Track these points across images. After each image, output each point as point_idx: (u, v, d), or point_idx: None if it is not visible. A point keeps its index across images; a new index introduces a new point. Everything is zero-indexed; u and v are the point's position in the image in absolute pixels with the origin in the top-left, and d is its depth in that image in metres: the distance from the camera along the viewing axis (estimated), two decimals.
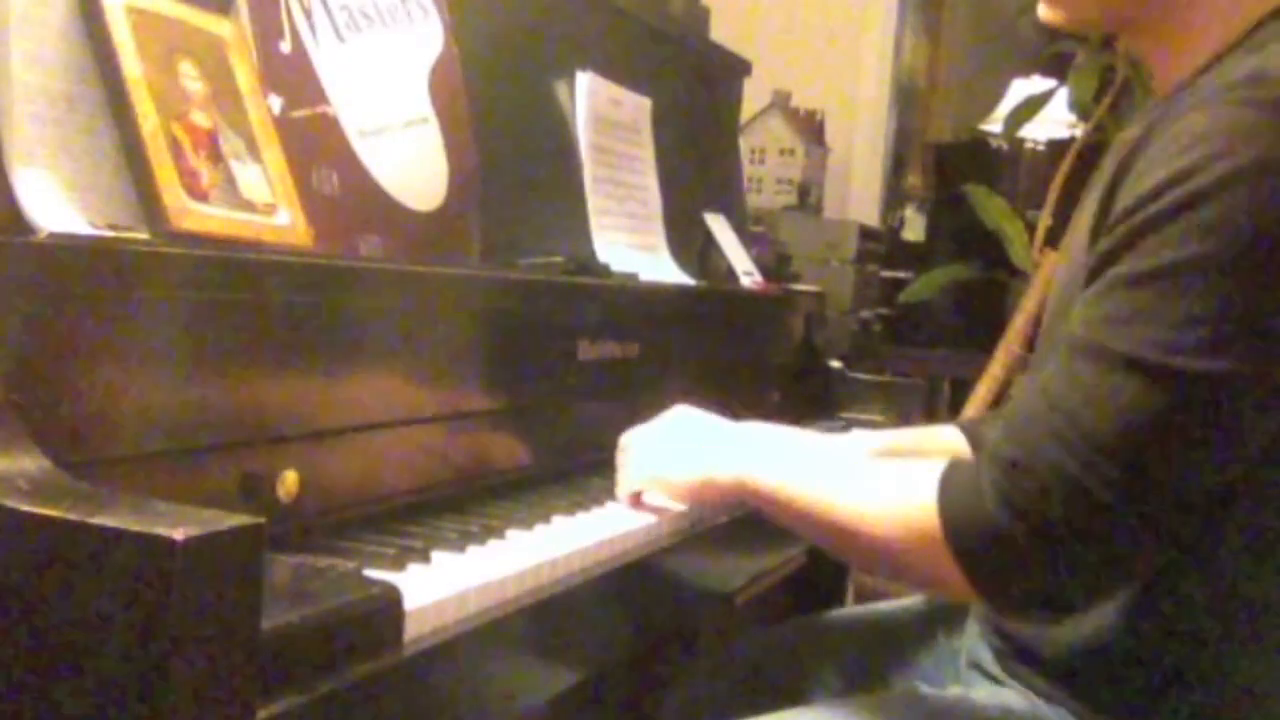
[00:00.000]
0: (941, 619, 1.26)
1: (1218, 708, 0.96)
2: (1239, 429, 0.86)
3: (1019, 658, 1.05)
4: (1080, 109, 3.34)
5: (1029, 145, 4.28)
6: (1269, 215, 0.83)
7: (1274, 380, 0.84)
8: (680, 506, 1.15)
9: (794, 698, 1.21)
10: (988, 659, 1.10)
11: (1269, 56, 0.89)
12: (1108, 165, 1.02)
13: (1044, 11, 1.05)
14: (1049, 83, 3.66)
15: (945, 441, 1.35)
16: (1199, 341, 0.83)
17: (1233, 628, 0.95)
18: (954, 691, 1.10)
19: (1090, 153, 3.00)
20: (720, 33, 2.09)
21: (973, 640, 1.14)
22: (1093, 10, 1.06)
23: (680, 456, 1.12)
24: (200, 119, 0.90)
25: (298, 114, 1.04)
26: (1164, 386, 0.83)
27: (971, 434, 1.33)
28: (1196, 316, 0.83)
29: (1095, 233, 0.93)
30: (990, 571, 0.87)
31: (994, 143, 4.18)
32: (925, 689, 1.12)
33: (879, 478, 0.97)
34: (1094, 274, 0.90)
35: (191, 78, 0.91)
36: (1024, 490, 0.85)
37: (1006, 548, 0.85)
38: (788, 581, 1.98)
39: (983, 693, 1.07)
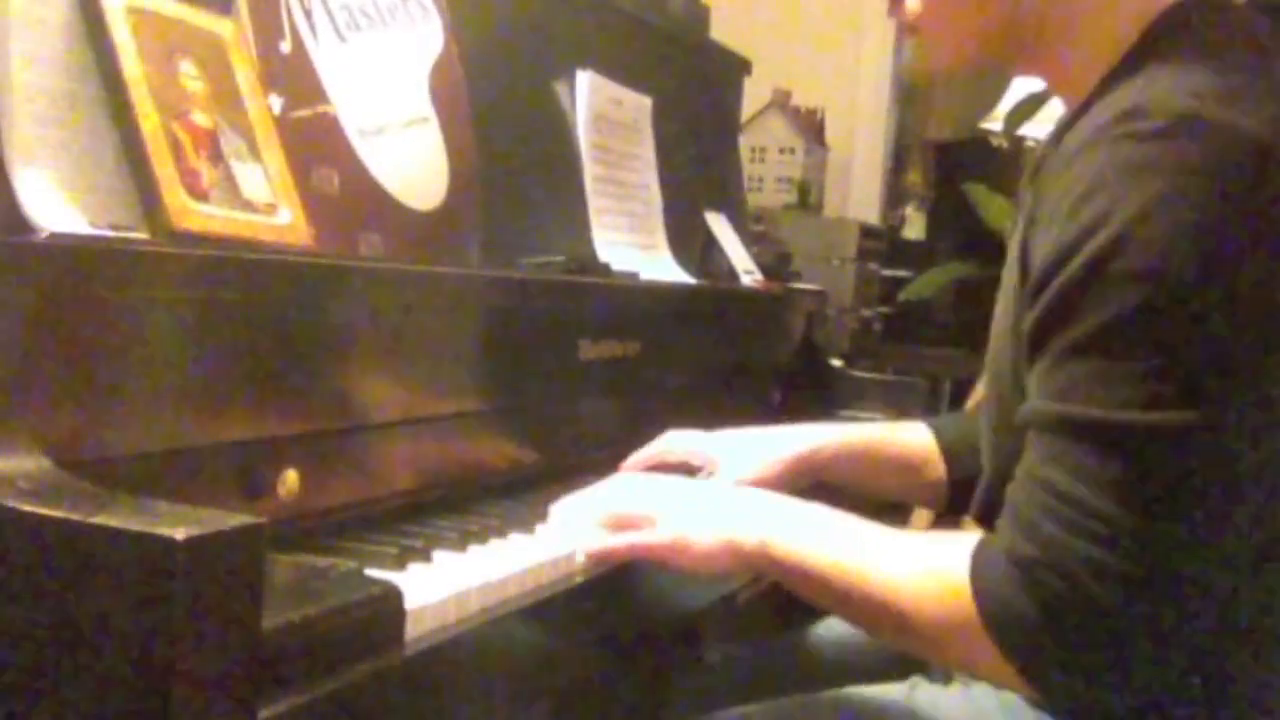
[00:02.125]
0: None
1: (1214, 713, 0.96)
2: (1242, 470, 0.84)
3: None
4: None
5: (1029, 143, 4.27)
6: (1184, 246, 0.81)
7: (1254, 413, 0.83)
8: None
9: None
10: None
11: (1144, 87, 0.87)
12: (1025, 186, 1.02)
13: (924, 65, 1.04)
14: None
15: (908, 439, 1.32)
16: (1168, 391, 0.82)
17: (1232, 638, 0.95)
18: (954, 688, 1.10)
19: None
20: (720, 32, 2.09)
21: None
22: (967, 49, 1.03)
23: (702, 519, 1.02)
24: (200, 119, 0.90)
25: (298, 114, 1.04)
26: (1151, 445, 0.82)
27: (940, 433, 1.31)
28: (1156, 368, 0.82)
29: (1023, 273, 0.92)
30: (1044, 667, 0.85)
31: (994, 141, 4.18)
32: (925, 684, 1.11)
33: (909, 555, 0.93)
34: (1036, 341, 0.89)
35: (192, 77, 0.91)
36: (1053, 588, 0.83)
37: (1057, 645, 0.84)
38: None
39: (983, 689, 1.07)
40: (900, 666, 1.24)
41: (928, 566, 0.91)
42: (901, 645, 1.01)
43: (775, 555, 0.97)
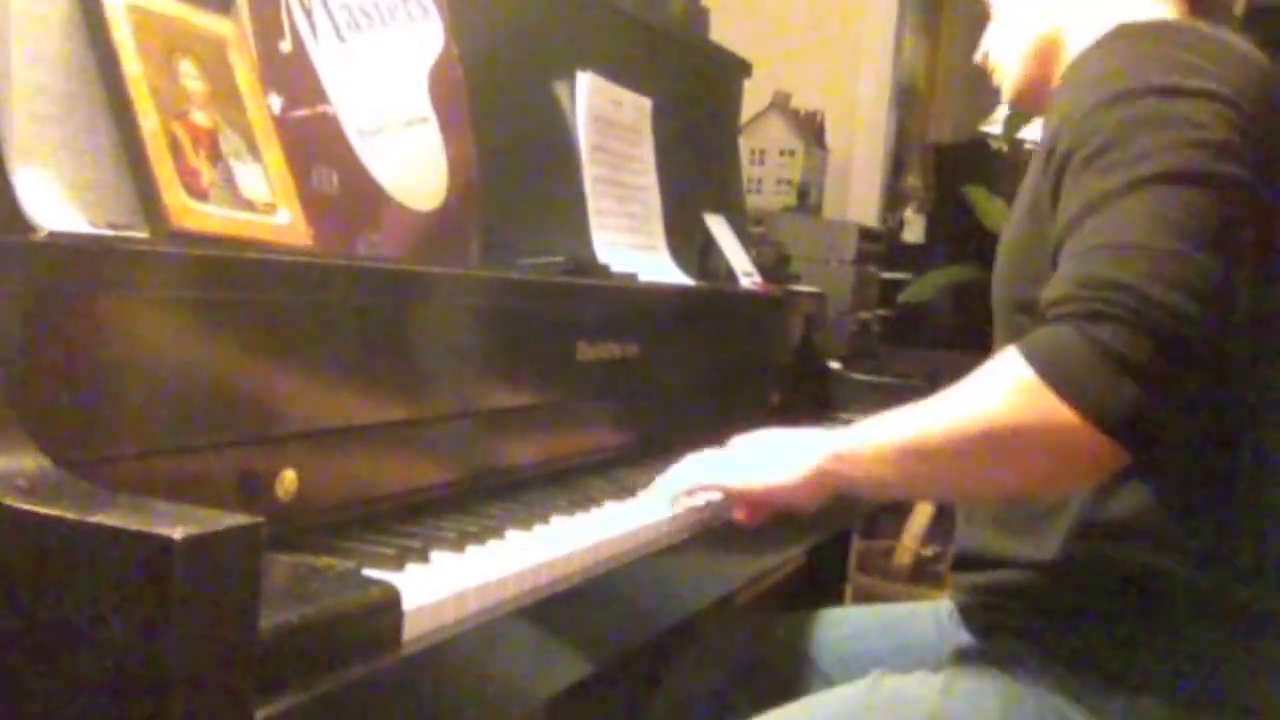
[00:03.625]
0: (944, 616, 1.26)
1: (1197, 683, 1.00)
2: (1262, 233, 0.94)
3: (1014, 644, 1.08)
4: None
5: (1028, 147, 4.27)
6: (1154, 65, 0.97)
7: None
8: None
9: (790, 691, 1.22)
10: (975, 646, 1.12)
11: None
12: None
13: (1007, 100, 1.26)
14: None
15: None
16: (1212, 151, 0.92)
17: (1226, 595, 1.00)
18: (916, 675, 1.11)
19: None
20: (720, 33, 2.09)
21: (966, 628, 1.15)
22: (1019, 78, 1.22)
23: (763, 464, 1.13)
24: (200, 118, 0.90)
25: (298, 114, 1.04)
26: (1178, 185, 0.91)
27: None
28: (1197, 139, 0.92)
29: (1046, 158, 1.02)
30: (1088, 385, 0.87)
31: (993, 144, 4.18)
32: (887, 676, 1.12)
33: (961, 387, 0.97)
34: (1064, 165, 0.98)
35: (191, 77, 0.91)
36: (1095, 303, 0.88)
37: (1097, 356, 0.87)
38: (788, 581, 1.99)
39: (941, 675, 1.09)
40: (895, 660, 1.24)
41: (982, 377, 0.95)
42: (993, 473, 1.00)
43: (846, 455, 1.05)
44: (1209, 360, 0.88)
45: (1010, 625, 1.09)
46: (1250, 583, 1.01)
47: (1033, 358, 0.90)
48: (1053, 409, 0.88)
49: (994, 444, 0.93)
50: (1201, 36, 1.01)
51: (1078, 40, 1.13)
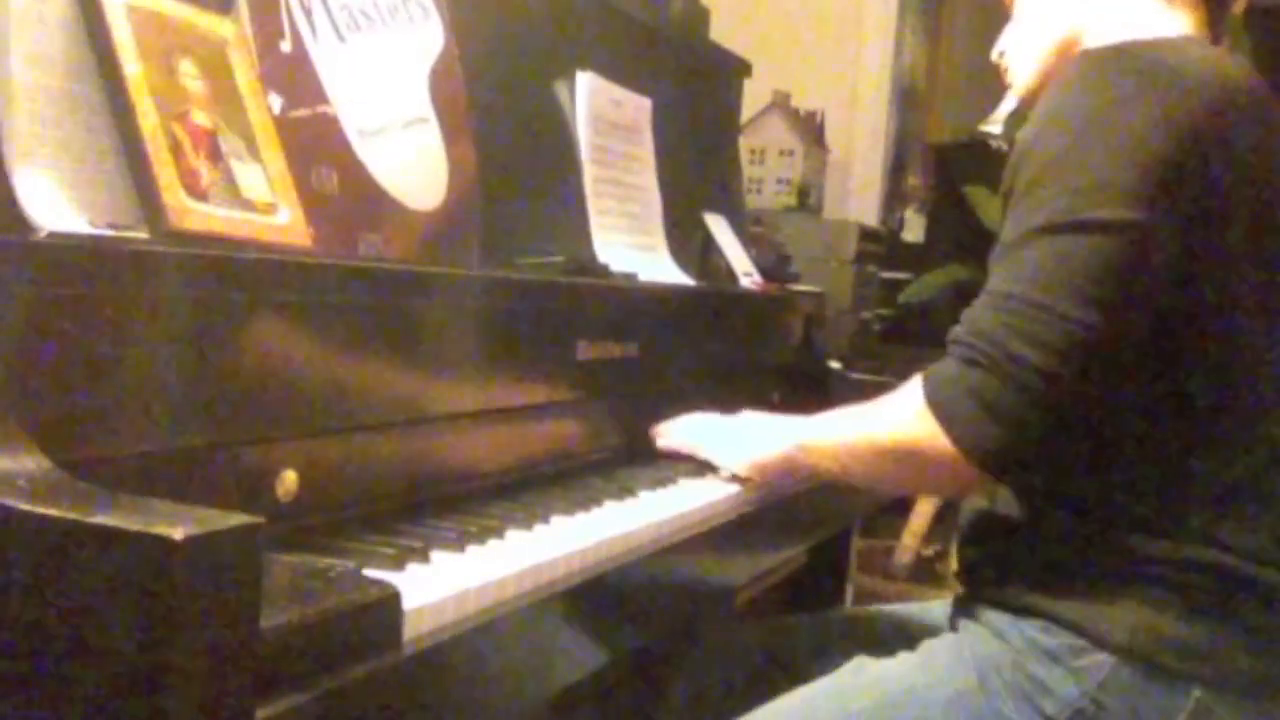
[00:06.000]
0: (951, 620, 1.26)
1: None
2: (1169, 277, 1.01)
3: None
4: None
5: None
6: (1087, 106, 1.04)
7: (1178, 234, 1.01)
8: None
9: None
10: (954, 622, 1.17)
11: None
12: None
13: (1016, 94, 1.30)
14: None
15: None
16: (1115, 198, 1.00)
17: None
18: (900, 658, 1.15)
19: None
20: (720, 33, 2.09)
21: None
22: (1033, 76, 1.27)
23: (728, 442, 1.31)
24: (200, 119, 0.90)
25: (298, 114, 1.04)
26: (1059, 236, 1.01)
27: None
28: (1104, 181, 1.00)
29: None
30: (960, 421, 1.02)
31: (994, 143, 4.18)
32: (870, 661, 1.16)
33: (887, 400, 1.13)
34: (1004, 209, 1.09)
35: (191, 77, 0.91)
36: (973, 350, 1.02)
37: (968, 397, 1.02)
38: (788, 581, 1.99)
39: (924, 654, 1.14)
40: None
41: (899, 394, 1.10)
42: (906, 481, 1.23)
43: (808, 446, 1.21)
44: (1067, 405, 1.00)
45: (991, 594, 1.12)
46: (1220, 548, 1.04)
47: (927, 388, 1.06)
48: (936, 434, 1.04)
49: (899, 456, 1.10)
50: (1155, 60, 1.06)
51: (1093, 43, 1.15)
